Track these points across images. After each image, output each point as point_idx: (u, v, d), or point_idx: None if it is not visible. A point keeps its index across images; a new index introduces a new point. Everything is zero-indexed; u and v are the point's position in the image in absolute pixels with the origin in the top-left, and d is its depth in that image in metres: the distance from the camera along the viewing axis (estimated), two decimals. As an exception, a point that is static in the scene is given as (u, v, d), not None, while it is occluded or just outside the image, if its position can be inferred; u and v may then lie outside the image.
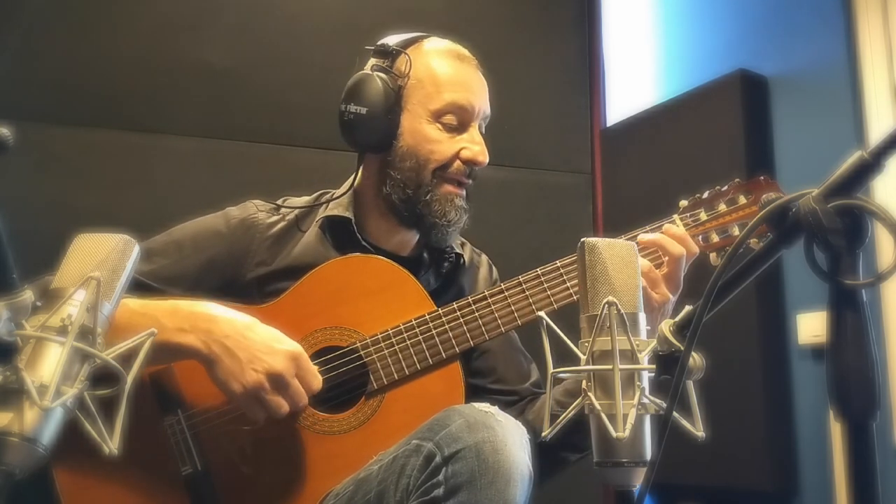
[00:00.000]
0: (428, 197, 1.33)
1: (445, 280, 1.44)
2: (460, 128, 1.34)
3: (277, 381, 1.14)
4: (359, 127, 1.32)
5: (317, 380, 1.19)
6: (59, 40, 1.96)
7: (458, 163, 1.33)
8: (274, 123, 2.10)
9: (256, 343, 1.15)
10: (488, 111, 1.39)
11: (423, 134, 1.33)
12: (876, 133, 1.91)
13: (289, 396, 1.16)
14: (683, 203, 1.34)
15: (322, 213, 1.39)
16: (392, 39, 1.38)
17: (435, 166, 1.33)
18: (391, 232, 1.40)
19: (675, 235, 1.26)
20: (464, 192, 1.36)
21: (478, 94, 1.36)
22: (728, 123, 2.15)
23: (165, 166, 2.00)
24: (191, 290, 1.28)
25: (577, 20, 2.50)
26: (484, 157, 1.34)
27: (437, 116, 1.33)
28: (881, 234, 1.11)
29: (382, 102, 1.31)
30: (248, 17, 2.13)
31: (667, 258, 1.24)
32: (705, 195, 1.34)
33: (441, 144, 1.33)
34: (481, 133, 1.37)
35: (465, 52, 1.40)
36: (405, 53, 1.35)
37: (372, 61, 1.37)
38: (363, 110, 1.31)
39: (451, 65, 1.36)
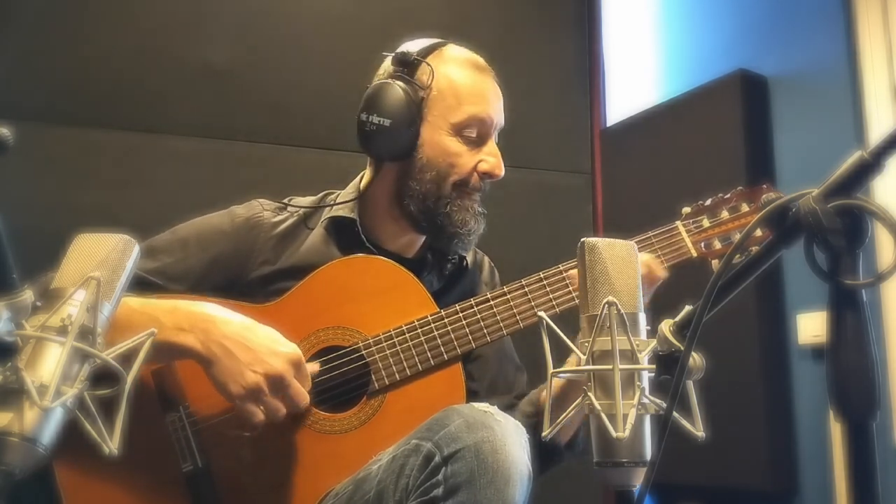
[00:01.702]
0: (447, 209, 1.33)
1: (448, 282, 1.44)
2: (479, 140, 1.34)
3: (277, 383, 1.14)
4: (380, 138, 1.30)
5: (308, 385, 1.18)
6: (59, 40, 1.96)
7: (475, 175, 1.33)
8: (274, 123, 2.10)
9: (256, 344, 1.14)
10: (503, 122, 1.39)
11: (443, 147, 1.32)
12: (876, 133, 1.91)
13: (288, 399, 1.16)
14: (686, 210, 1.34)
15: (327, 213, 1.39)
16: (412, 46, 1.36)
17: (455, 179, 1.33)
18: (399, 235, 1.39)
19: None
20: (479, 198, 1.36)
21: (495, 107, 1.35)
22: (728, 123, 2.15)
23: (165, 166, 2.00)
24: (194, 288, 1.28)
25: (577, 20, 2.50)
26: (500, 171, 1.34)
27: (457, 129, 1.32)
28: (881, 234, 1.11)
29: (404, 114, 1.30)
30: (248, 17, 2.13)
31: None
32: (708, 202, 1.34)
33: (461, 158, 1.33)
34: (496, 143, 1.37)
35: (483, 62, 1.38)
36: (427, 63, 1.33)
37: (391, 69, 1.35)
38: (385, 121, 1.29)
39: (471, 76, 1.34)
